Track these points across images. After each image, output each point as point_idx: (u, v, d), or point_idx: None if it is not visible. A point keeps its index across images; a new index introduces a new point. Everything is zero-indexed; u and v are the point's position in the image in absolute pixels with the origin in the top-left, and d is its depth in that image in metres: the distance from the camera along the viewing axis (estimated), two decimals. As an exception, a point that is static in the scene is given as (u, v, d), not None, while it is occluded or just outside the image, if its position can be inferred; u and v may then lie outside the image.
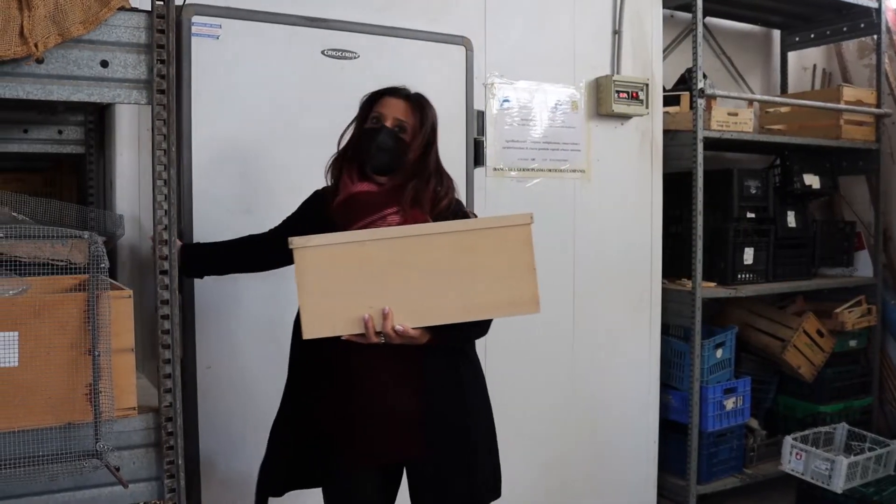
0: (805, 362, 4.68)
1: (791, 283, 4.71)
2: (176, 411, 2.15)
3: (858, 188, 5.32)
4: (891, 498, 4.10)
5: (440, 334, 2.24)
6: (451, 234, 2.12)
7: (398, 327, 2.13)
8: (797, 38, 5.38)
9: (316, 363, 2.39)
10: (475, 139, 3.53)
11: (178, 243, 2.30)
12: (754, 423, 4.70)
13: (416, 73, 3.19)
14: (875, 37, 5.00)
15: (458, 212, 2.42)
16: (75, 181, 3.21)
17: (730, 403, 4.40)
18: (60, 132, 2.98)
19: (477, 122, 3.54)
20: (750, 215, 4.57)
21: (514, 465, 3.17)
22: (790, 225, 4.76)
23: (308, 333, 2.10)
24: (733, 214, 4.51)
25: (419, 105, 2.45)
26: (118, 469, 2.08)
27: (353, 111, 2.52)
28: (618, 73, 4.07)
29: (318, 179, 2.57)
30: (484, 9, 3.73)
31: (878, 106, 4.94)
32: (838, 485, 4.07)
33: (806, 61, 5.62)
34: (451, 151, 3.09)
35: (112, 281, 2.15)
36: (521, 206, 3.77)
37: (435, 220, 2.30)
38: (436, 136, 2.46)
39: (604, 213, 4.08)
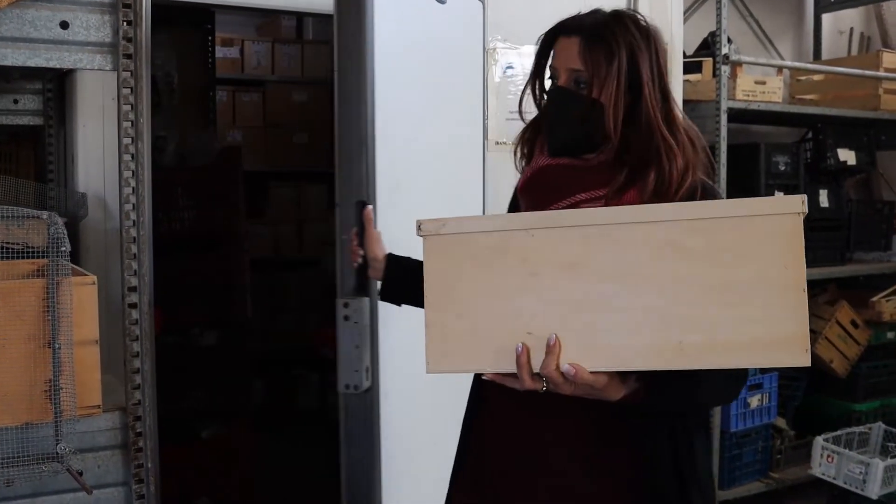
0: (838, 356, 4.69)
1: (823, 269, 4.70)
2: (146, 410, 2.15)
3: (898, 165, 5.32)
4: (931, 505, 4.12)
5: (651, 388, 1.50)
6: (666, 223, 1.42)
7: (567, 368, 1.42)
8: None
9: (466, 423, 1.84)
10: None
11: (383, 252, 1.96)
12: (782, 423, 4.71)
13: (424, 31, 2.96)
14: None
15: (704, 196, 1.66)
16: (33, 156, 3.20)
17: (754, 401, 4.40)
18: (16, 101, 2.96)
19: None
20: (778, 194, 4.56)
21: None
22: (822, 205, 4.76)
23: (433, 365, 1.51)
24: (760, 193, 4.50)
25: (599, 36, 1.69)
26: (81, 473, 2.08)
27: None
28: (633, 36, 4.04)
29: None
30: (485, -35, 3.70)
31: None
32: (874, 490, 4.08)
33: (842, 24, 5.60)
34: (463, 128, 2.96)
35: (74, 266, 2.14)
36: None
37: None
38: (653, 74, 1.69)
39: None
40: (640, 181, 1.66)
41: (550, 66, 1.78)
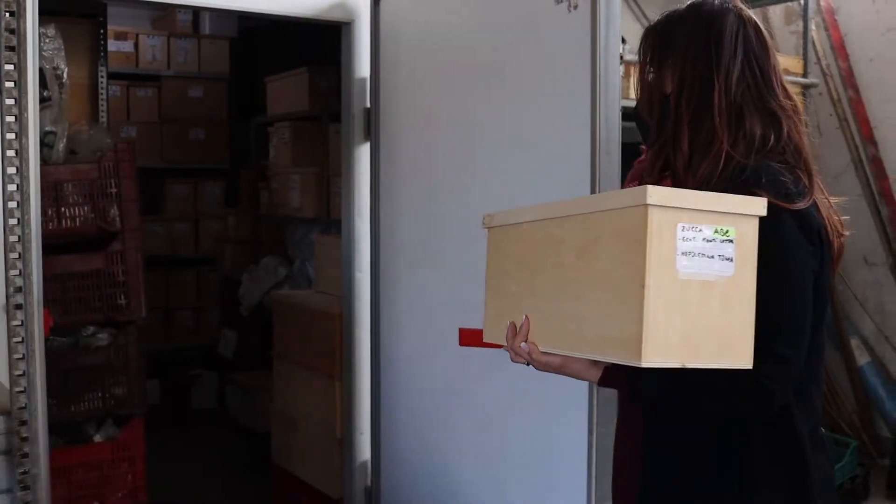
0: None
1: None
2: (32, 413, 2.07)
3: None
4: None
5: (618, 376, 1.61)
6: (560, 219, 1.55)
7: (523, 345, 1.61)
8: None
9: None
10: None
11: None
12: None
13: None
14: (802, 2, 5.13)
15: (741, 184, 1.55)
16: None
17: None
18: None
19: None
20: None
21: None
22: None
23: (486, 338, 1.78)
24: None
25: (650, 29, 1.79)
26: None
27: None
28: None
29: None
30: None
31: (805, 76, 5.08)
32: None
33: (730, 27, 5.74)
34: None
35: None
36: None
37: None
38: (698, 62, 1.67)
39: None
40: (662, 161, 1.70)
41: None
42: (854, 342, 5.16)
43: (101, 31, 4.38)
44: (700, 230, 1.37)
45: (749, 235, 1.41)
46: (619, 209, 1.39)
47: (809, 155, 1.65)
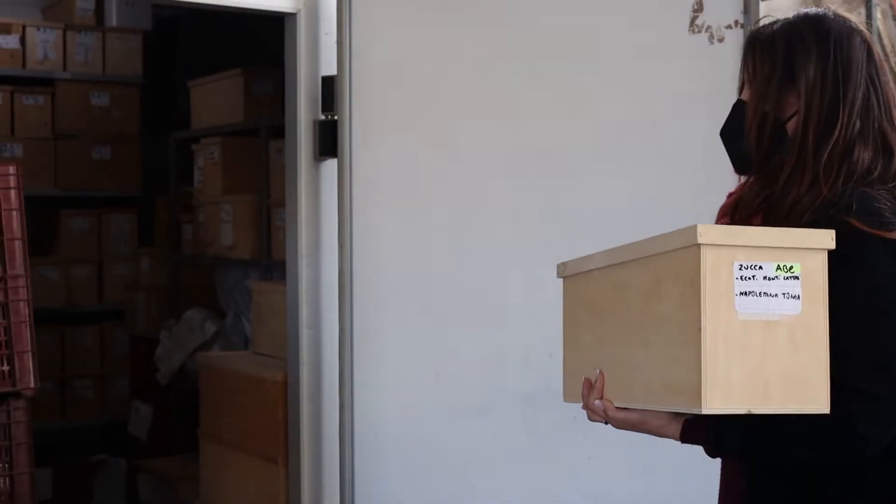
0: None
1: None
2: None
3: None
4: None
5: (699, 430, 1.74)
6: (626, 263, 1.78)
7: (598, 403, 1.80)
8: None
9: None
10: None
11: None
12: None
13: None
14: (863, -14, 5.21)
15: (830, 214, 1.70)
16: None
17: None
18: None
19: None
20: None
21: None
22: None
23: (566, 398, 2.00)
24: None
25: (760, 43, 1.91)
26: None
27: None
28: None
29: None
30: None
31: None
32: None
33: (779, 13, 5.81)
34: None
35: None
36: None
37: None
38: (822, 80, 1.82)
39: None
40: (757, 200, 1.82)
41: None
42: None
43: (-22, 22, 4.39)
44: (760, 268, 1.56)
45: (817, 270, 1.58)
46: (675, 250, 1.60)
47: None
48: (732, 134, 1.94)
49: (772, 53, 1.86)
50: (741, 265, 1.56)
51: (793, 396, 1.58)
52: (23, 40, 5.92)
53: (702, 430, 1.73)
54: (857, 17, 1.94)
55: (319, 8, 3.71)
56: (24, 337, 3.45)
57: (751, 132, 1.87)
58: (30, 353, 3.47)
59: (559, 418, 3.37)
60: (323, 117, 3.68)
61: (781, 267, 1.57)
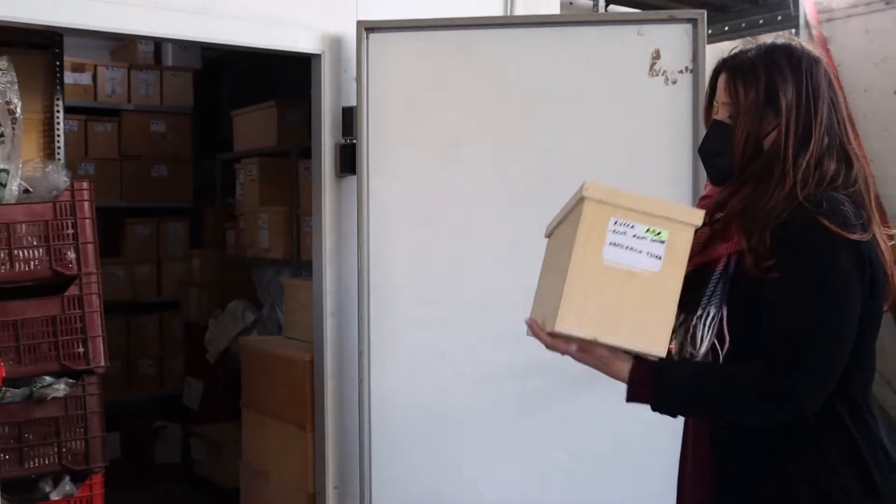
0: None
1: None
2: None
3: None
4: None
5: (644, 389, 1.75)
6: (559, 222, 1.85)
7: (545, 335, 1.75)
8: (710, 31, 5.54)
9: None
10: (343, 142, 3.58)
11: None
12: None
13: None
14: (793, 31, 5.20)
15: (803, 209, 1.74)
16: None
17: None
18: None
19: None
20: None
21: None
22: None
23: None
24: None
25: (742, 70, 1.89)
26: None
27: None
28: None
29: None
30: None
31: (797, 106, 5.13)
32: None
33: (722, 55, 5.80)
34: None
35: None
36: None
37: (773, 239, 1.74)
38: (798, 102, 1.83)
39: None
40: (734, 200, 1.83)
41: (715, 101, 1.96)
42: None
43: (57, 62, 4.38)
44: (633, 227, 1.63)
45: (683, 241, 1.65)
46: (577, 203, 1.67)
47: (870, 198, 1.84)
48: (714, 150, 1.93)
49: (755, 80, 1.85)
50: (616, 221, 1.62)
51: (637, 338, 1.63)
52: (94, 77, 5.93)
53: (648, 389, 1.74)
54: (814, 48, 1.94)
55: (341, 50, 3.71)
56: (96, 324, 3.45)
57: (738, 148, 1.86)
58: (101, 338, 3.48)
59: (544, 388, 3.42)
60: (343, 141, 3.68)
61: (651, 230, 1.63)
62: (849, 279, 1.70)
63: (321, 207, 3.74)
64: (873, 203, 1.85)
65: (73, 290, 3.43)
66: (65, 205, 3.44)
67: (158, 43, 6.20)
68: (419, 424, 3.55)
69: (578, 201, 1.65)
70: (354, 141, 3.59)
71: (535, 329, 1.77)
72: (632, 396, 1.77)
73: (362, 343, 3.53)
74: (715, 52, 5.73)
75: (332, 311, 3.74)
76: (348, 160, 3.66)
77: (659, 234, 1.63)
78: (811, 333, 1.68)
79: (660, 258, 1.63)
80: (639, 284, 1.63)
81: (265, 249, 5.07)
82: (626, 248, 1.62)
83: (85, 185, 3.50)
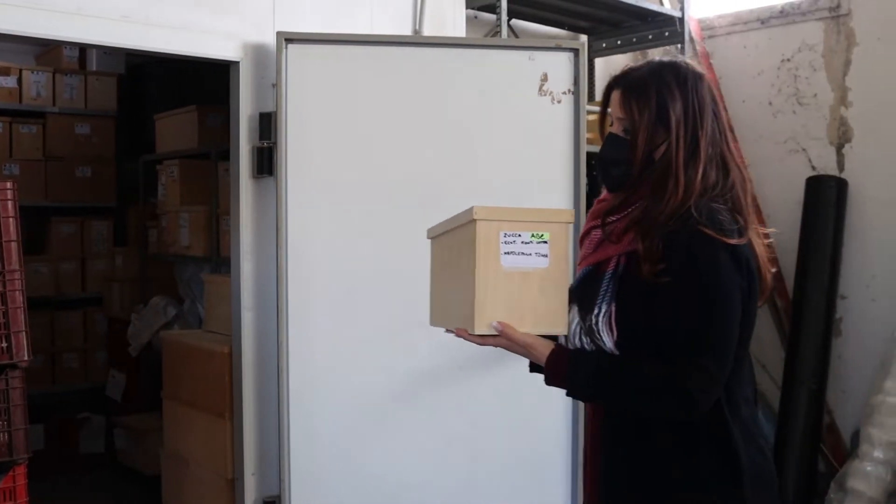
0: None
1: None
2: None
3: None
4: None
5: (558, 376, 1.87)
6: (452, 230, 1.98)
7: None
8: (604, 45, 5.65)
9: None
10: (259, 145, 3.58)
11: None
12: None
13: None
14: (679, 46, 5.32)
15: (685, 220, 1.81)
16: None
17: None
18: None
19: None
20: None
21: None
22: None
23: (431, 321, 2.17)
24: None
25: (634, 87, 1.93)
26: None
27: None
28: (419, 75, 4.15)
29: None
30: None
31: (682, 116, 5.24)
32: None
33: (613, 68, 5.84)
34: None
35: None
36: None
37: (664, 247, 1.81)
38: (685, 116, 1.89)
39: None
40: (628, 210, 1.90)
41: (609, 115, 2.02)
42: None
43: (-18, 67, 4.27)
44: (519, 235, 1.81)
45: (562, 237, 1.83)
46: (467, 223, 1.83)
47: (747, 202, 1.90)
48: (609, 161, 1.97)
49: (646, 98, 1.90)
50: (505, 234, 1.80)
51: (540, 323, 1.83)
52: (19, 81, 5.80)
53: (561, 376, 1.85)
54: (698, 64, 2.01)
55: (259, 58, 3.68)
56: (19, 319, 3.37)
57: (636, 162, 1.89)
58: (24, 332, 3.39)
59: (451, 368, 3.52)
60: (261, 144, 3.65)
61: (535, 235, 1.81)
62: (731, 283, 1.77)
63: (239, 207, 3.70)
64: (751, 205, 1.92)
65: (-4, 287, 3.34)
66: (-12, 204, 3.35)
67: (84, 48, 6.06)
68: (337, 408, 3.56)
69: (470, 223, 1.80)
70: (270, 144, 3.58)
71: (464, 335, 1.87)
72: (549, 381, 1.88)
73: (281, 335, 3.51)
74: (608, 65, 5.88)
75: (250, 305, 3.71)
76: (265, 162, 3.64)
77: (542, 236, 1.81)
78: (703, 336, 1.75)
79: (546, 256, 1.82)
80: (534, 280, 1.81)
81: (186, 247, 5.00)
82: (518, 253, 1.81)
83: (9, 184, 3.41)
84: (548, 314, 1.83)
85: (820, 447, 4.79)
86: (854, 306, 4.87)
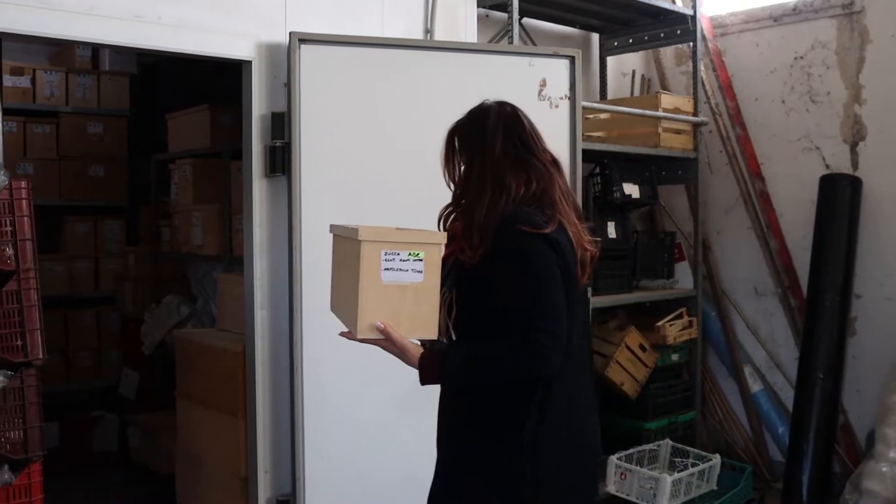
0: (628, 378, 4.89)
1: (612, 296, 4.90)
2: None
3: (679, 198, 5.62)
4: (713, 515, 4.36)
5: (432, 372, 2.23)
6: (344, 238, 2.25)
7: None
8: (616, 43, 5.63)
9: None
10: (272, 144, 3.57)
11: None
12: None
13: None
14: (691, 44, 5.30)
15: (506, 225, 2.23)
16: None
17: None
18: None
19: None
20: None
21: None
22: (611, 236, 4.95)
23: (332, 307, 2.45)
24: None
25: (456, 135, 2.43)
26: None
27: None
28: (432, 74, 4.14)
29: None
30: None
31: (695, 114, 5.23)
32: (663, 503, 4.27)
33: (625, 67, 5.89)
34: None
35: None
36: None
37: (493, 242, 2.22)
38: (480, 148, 2.35)
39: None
40: (459, 219, 2.34)
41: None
42: (747, 370, 5.29)
43: (-4, 66, 4.28)
44: (398, 254, 2.11)
45: (435, 255, 2.13)
46: (354, 240, 2.10)
47: (556, 197, 2.29)
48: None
49: (467, 141, 2.36)
50: (386, 252, 2.09)
51: (415, 330, 2.14)
52: (33, 81, 5.81)
53: (433, 372, 2.18)
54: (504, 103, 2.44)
55: (271, 57, 3.68)
56: (34, 318, 3.37)
57: (462, 184, 2.37)
58: (38, 331, 3.40)
59: None
60: (273, 143, 3.65)
61: (412, 254, 2.11)
62: (548, 261, 2.16)
63: (252, 205, 3.70)
64: (564, 202, 2.30)
65: (11, 286, 3.35)
66: (3, 203, 3.35)
67: (96, 48, 6.07)
68: (347, 408, 3.55)
69: (356, 243, 2.08)
70: (281, 143, 3.58)
71: (348, 336, 2.21)
72: (423, 379, 2.21)
73: (294, 333, 3.51)
74: (620, 63, 5.86)
75: (264, 303, 3.71)
76: (278, 161, 3.63)
77: (418, 254, 2.12)
78: (534, 305, 2.12)
79: (421, 272, 2.12)
80: (410, 293, 2.12)
81: (199, 246, 5.00)
82: (397, 269, 2.11)
83: (23, 184, 3.42)
84: (421, 321, 2.14)
85: (834, 447, 4.76)
86: (869, 305, 4.85)
